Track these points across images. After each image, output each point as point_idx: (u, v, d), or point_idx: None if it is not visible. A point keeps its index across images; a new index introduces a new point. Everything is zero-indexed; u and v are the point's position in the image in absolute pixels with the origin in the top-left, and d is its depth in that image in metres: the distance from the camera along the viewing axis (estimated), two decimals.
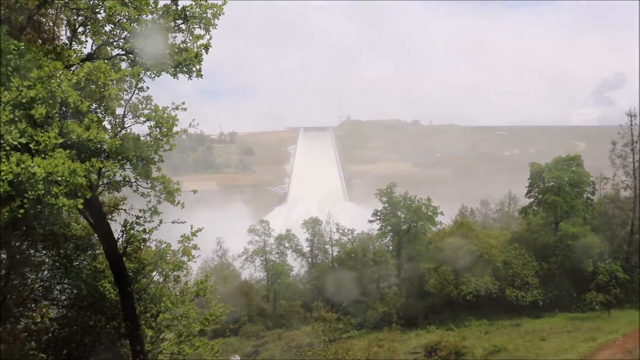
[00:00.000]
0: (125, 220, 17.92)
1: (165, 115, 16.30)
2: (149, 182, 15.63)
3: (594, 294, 58.62)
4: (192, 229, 18.59)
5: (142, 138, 16.31)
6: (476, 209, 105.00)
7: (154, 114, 16.08)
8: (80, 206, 13.29)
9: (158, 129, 16.51)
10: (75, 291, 20.12)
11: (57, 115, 13.57)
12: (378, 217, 73.22)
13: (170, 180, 16.70)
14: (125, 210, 16.12)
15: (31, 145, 12.80)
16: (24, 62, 13.04)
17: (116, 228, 18.29)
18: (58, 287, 20.53)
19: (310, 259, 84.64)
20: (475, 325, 60.68)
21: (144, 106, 16.04)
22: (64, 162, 12.49)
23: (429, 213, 71.29)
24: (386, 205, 72.70)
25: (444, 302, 63.95)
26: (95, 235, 19.87)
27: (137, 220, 17.58)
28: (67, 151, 13.29)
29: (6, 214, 12.40)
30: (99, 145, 14.27)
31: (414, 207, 71.04)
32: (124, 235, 18.47)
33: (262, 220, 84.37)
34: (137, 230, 18.08)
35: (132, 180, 15.25)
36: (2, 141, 12.33)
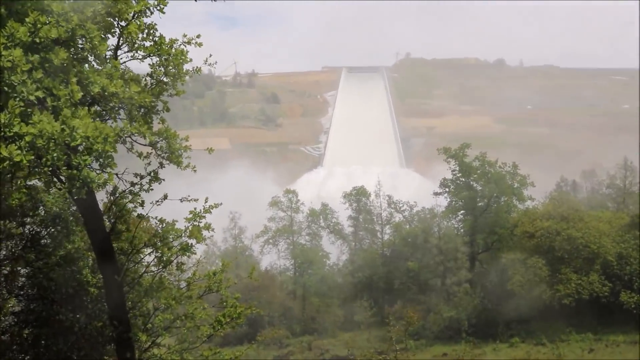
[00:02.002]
0: (115, 187, 17.96)
1: (174, 50, 16.25)
2: (147, 137, 15.58)
3: None
4: (206, 202, 18.67)
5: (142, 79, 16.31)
6: (580, 182, 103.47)
7: (157, 47, 16.00)
8: (113, 183, 13.63)
9: (162, 68, 16.39)
10: (45, 280, 20.36)
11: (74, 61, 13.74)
12: (446, 190, 72.97)
13: (176, 134, 16.67)
14: (117, 174, 16.12)
15: (48, 101, 12.93)
16: None
17: (102, 197, 18.41)
18: (23, 273, 20.84)
19: (353, 244, 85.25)
20: (575, 339, 60.34)
21: (144, 36, 15.96)
22: (90, 124, 12.64)
23: (516, 185, 70.63)
24: (457, 173, 72.29)
25: (533, 307, 63.63)
26: (74, 206, 20.06)
27: (132, 187, 17.64)
28: (89, 109, 13.51)
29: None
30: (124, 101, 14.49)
31: (496, 176, 70.37)
32: (113, 207, 18.57)
33: (288, 190, 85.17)
34: (131, 202, 18.17)
35: (127, 134, 15.20)
36: (14, 94, 12.42)
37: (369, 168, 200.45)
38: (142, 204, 18.18)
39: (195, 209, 18.68)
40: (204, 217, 18.78)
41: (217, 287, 20.79)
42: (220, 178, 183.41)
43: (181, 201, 18.16)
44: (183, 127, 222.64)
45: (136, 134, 15.45)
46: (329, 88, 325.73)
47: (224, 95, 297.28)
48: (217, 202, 19.06)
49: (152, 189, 17.57)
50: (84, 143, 12.63)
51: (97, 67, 14.67)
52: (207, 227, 19.04)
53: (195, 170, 16.94)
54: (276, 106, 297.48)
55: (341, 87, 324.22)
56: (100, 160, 13.20)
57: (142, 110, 16.07)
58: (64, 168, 13.12)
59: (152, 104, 16.12)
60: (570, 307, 62.08)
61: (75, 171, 13.00)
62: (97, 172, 13.25)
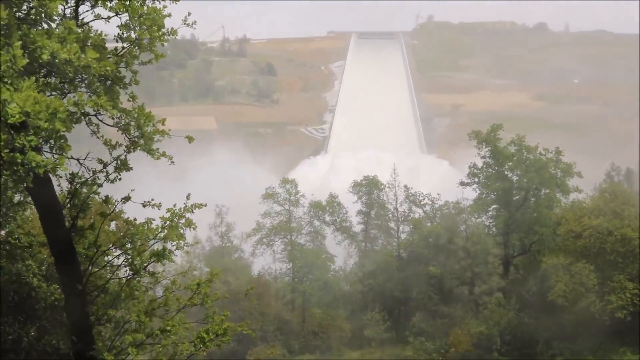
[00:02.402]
0: (73, 173, 17.76)
1: (146, 8, 16.02)
2: (109, 113, 15.29)
3: None
4: (187, 199, 18.57)
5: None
6: (635, 170, 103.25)
7: (125, 4, 15.75)
8: (64, 169, 13.25)
9: (133, 31, 16.14)
10: None
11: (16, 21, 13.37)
12: (475, 180, 72.93)
13: (151, 116, 16.39)
14: (78, 160, 15.91)
15: None
16: None
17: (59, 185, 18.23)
18: None
19: (363, 244, 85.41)
20: None
21: None
22: (30, 96, 12.22)
23: (559, 174, 70.48)
24: (488, 159, 72.29)
25: (579, 321, 63.66)
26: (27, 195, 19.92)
27: (96, 175, 17.45)
28: (34, 78, 13.00)
29: None
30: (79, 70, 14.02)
31: (535, 164, 70.25)
32: (73, 199, 18.38)
33: (285, 179, 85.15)
34: (95, 194, 17.99)
35: (82, 110, 14.85)
36: None
37: (383, 154, 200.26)
38: (106, 201, 18.03)
39: (174, 206, 18.58)
40: (184, 216, 18.68)
41: (201, 300, 20.72)
42: (205, 165, 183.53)
43: (143, 206, 17.91)
44: (160, 103, 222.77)
45: (97, 111, 15.14)
46: (336, 57, 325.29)
47: (209, 66, 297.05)
48: (200, 203, 18.99)
49: (119, 179, 17.39)
50: (23, 119, 12.20)
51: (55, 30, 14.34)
52: (189, 223, 18.93)
53: (172, 162, 16.74)
54: (272, 79, 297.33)
55: (350, 57, 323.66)
56: (51, 141, 12.86)
57: (108, 82, 15.72)
58: (6, 151, 12.81)
59: (117, 74, 15.79)
60: (624, 321, 61.96)
61: (17, 154, 12.73)
62: (54, 157, 12.97)
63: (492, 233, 73.58)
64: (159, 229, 18.66)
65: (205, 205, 19.28)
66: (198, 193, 19.69)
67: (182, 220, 18.69)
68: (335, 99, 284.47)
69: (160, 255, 18.82)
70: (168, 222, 18.62)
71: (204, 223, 76.83)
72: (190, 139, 17.66)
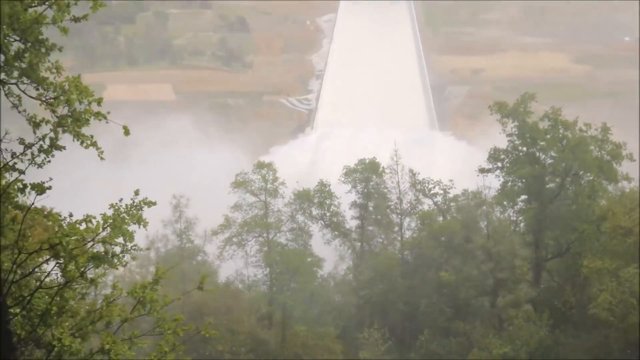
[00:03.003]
0: None
1: None
2: (40, 87, 15.35)
3: None
4: (136, 195, 18.63)
5: None
6: None
7: None
8: None
9: None
10: None
11: None
12: (498, 164, 73.10)
13: (88, 91, 16.39)
14: None
15: None
16: None
17: None
18: None
19: (358, 244, 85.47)
20: None
21: None
22: None
23: (605, 157, 70.56)
24: (515, 138, 72.43)
25: (628, 341, 63.79)
26: None
27: (18, 158, 17.52)
28: None
29: None
30: None
31: (574, 143, 70.36)
32: None
33: (261, 163, 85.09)
34: (19, 182, 18.07)
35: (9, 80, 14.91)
36: None
37: (383, 131, 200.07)
38: (22, 189, 18.04)
39: (120, 201, 18.69)
40: (133, 213, 18.79)
41: (148, 308, 20.85)
42: (160, 145, 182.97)
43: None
44: (102, 67, 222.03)
45: (18, 80, 15.18)
46: (324, 9, 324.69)
47: (164, 20, 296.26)
48: (151, 201, 19.09)
49: (48, 161, 17.45)
50: None
51: None
52: (138, 219, 19.03)
53: (102, 157, 16.76)
54: (244, 37, 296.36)
55: (342, 8, 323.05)
56: None
57: (24, 42, 15.70)
58: None
59: (35, 30, 15.75)
60: None
61: None
62: None
63: (519, 230, 73.78)
64: (99, 228, 18.73)
65: (155, 203, 19.42)
66: (151, 180, 19.88)
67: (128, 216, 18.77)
68: (323, 62, 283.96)
69: (101, 259, 18.89)
70: (110, 222, 18.72)
71: (158, 218, 76.69)
72: (126, 131, 17.67)
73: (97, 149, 17.04)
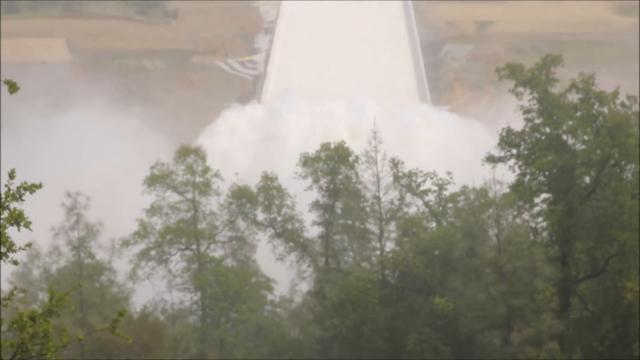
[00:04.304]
0: None
1: None
2: None
3: None
4: (11, 177, 18.40)
5: None
6: None
7: None
8: None
9: None
10: None
11: None
12: (511, 151, 73.02)
13: None
14: None
15: None
16: None
17: None
18: None
19: (323, 259, 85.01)
20: None
21: None
22: None
23: None
24: (534, 115, 72.57)
25: None
26: None
27: None
28: None
29: None
30: None
31: (613, 121, 70.43)
32: None
33: (186, 148, 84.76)
34: None
35: None
36: None
37: (356, 106, 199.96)
38: None
39: None
40: (7, 207, 18.55)
41: (37, 348, 20.60)
42: (47, 123, 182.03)
43: None
44: None
45: None
46: None
47: None
48: (35, 184, 18.83)
49: None
50: None
51: None
52: (19, 217, 18.84)
53: None
54: None
55: None
56: None
57: None
58: None
59: None
60: None
61: None
62: None
63: (541, 241, 73.60)
64: None
65: (40, 186, 19.03)
66: (34, 173, 19.54)
67: (4, 215, 18.56)
68: (275, 10, 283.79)
69: None
70: None
71: (46, 223, 76.21)
72: (12, 87, 17.50)
73: None
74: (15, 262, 19.93)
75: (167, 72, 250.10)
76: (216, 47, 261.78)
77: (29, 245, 19.72)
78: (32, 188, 18.86)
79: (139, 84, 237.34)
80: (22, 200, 18.86)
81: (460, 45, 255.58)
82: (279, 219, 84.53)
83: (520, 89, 71.81)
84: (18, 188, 18.65)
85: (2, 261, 19.28)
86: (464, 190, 77.10)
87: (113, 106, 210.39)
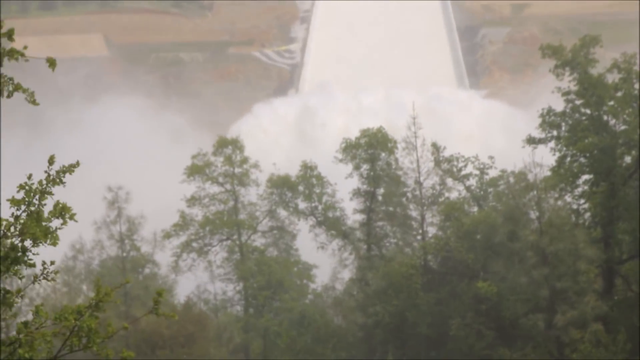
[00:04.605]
0: None
1: None
2: None
3: None
4: (51, 164, 18.50)
5: None
6: None
7: None
8: None
9: None
10: None
11: None
12: (552, 133, 72.69)
13: None
14: None
15: None
16: None
17: None
18: None
19: (364, 247, 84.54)
20: None
21: None
22: None
23: None
24: (574, 96, 72.26)
25: None
26: None
27: None
28: None
29: None
30: None
31: None
32: None
33: (224, 139, 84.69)
34: None
35: None
36: None
37: (394, 93, 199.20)
38: None
39: (29, 179, 18.62)
40: (49, 194, 18.73)
41: (84, 340, 20.68)
42: (89, 116, 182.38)
43: None
44: (6, 14, 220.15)
45: None
46: None
47: None
48: (72, 164, 18.89)
49: None
50: None
51: None
52: (64, 210, 18.97)
53: (34, 101, 16.77)
54: None
55: None
56: None
57: None
58: None
59: None
60: None
61: None
62: None
63: (583, 223, 73.39)
64: (8, 225, 18.72)
65: (77, 165, 19.04)
66: (76, 166, 19.53)
67: (47, 202, 18.63)
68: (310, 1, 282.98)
69: (16, 260, 18.90)
70: (24, 208, 18.66)
71: (89, 218, 76.47)
72: (52, 63, 17.69)
73: (25, 92, 17.10)
74: (55, 272, 19.79)
75: (204, 64, 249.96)
76: (252, 37, 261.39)
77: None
78: (71, 169, 18.99)
79: (176, 76, 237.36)
80: (64, 183, 18.94)
81: (497, 29, 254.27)
82: (320, 207, 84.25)
83: (561, 69, 71.56)
84: (57, 172, 18.74)
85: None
86: (502, 175, 76.94)
87: (151, 99, 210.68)
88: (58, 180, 18.58)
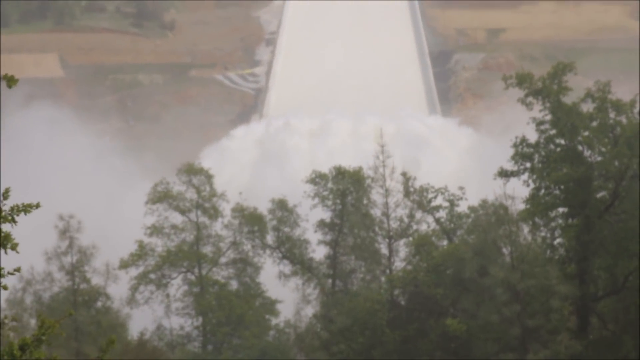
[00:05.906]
0: None
1: None
2: None
3: None
4: (5, 196, 18.37)
5: None
6: None
7: None
8: None
9: None
10: None
11: None
12: (525, 164, 72.84)
13: None
14: None
15: None
16: None
17: None
18: None
19: (329, 281, 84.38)
20: None
21: None
22: None
23: None
24: (547, 126, 72.53)
25: None
26: None
27: None
28: None
29: None
30: None
31: (631, 131, 70.36)
32: None
33: (190, 166, 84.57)
34: None
35: None
36: None
37: (363, 118, 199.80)
38: None
39: None
40: None
41: None
42: (42, 142, 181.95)
43: None
44: None
45: None
46: None
47: None
48: (31, 203, 18.82)
49: None
50: None
51: None
52: (6, 239, 18.88)
53: None
54: None
55: None
56: None
57: None
58: None
59: None
60: None
61: None
62: None
63: (557, 257, 73.44)
64: None
65: (38, 206, 18.94)
66: (26, 195, 19.49)
67: None
68: (276, 20, 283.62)
69: None
70: None
71: (37, 247, 75.99)
72: (11, 81, 17.57)
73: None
74: (4, 287, 19.79)
75: (164, 86, 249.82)
76: (215, 60, 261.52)
77: (17, 269, 19.60)
78: (28, 208, 18.84)
79: (134, 99, 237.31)
80: (15, 222, 18.81)
81: (471, 54, 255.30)
82: (284, 240, 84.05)
83: (531, 98, 71.57)
84: (12, 208, 18.59)
85: None
86: (472, 208, 76.98)
87: (106, 124, 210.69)
88: (10, 218, 18.49)
